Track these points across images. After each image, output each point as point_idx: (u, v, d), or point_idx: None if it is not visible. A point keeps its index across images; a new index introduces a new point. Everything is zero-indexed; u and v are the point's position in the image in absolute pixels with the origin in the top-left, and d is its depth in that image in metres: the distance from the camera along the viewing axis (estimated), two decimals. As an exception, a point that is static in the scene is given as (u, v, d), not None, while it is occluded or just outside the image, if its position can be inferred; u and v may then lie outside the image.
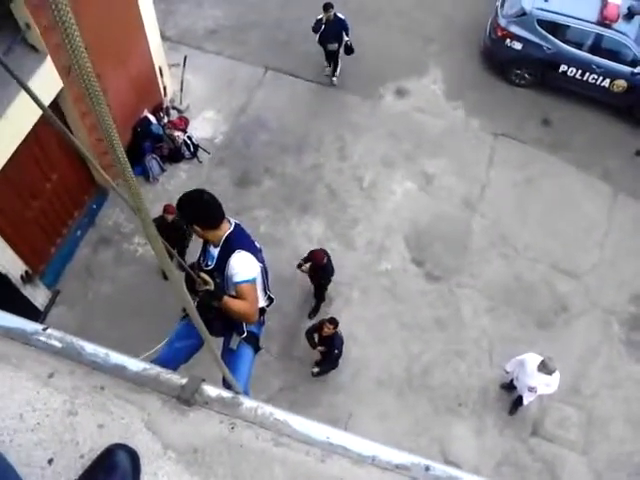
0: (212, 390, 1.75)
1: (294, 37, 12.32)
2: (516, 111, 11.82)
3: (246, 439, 1.68)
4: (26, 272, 8.24)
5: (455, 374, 8.87)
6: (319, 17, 10.93)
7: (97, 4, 7.66)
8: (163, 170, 10.53)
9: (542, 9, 11.48)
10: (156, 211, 8.43)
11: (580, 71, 11.57)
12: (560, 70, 11.70)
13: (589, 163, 11.19)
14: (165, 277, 9.45)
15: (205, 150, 10.74)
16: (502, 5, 12.09)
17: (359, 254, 9.90)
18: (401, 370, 8.89)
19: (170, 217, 8.10)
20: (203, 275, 3.52)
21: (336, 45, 11.30)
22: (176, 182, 10.46)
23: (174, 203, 8.35)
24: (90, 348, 1.73)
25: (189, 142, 10.62)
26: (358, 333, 9.11)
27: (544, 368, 7.37)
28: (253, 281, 3.83)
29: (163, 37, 10.96)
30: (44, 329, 1.74)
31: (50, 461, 1.58)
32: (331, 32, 11.04)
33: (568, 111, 11.94)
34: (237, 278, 3.75)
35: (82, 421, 1.64)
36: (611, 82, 11.50)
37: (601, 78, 11.53)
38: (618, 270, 10.09)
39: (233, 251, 3.77)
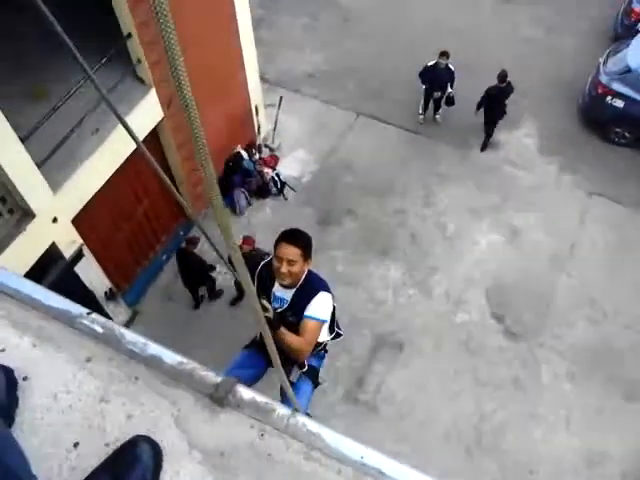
0: (246, 393, 1.65)
1: (388, 85, 12.48)
2: (614, 170, 11.28)
3: (275, 449, 1.59)
4: (110, 289, 8.61)
5: (528, 439, 8.33)
6: (430, 63, 10.93)
7: (203, 42, 8.10)
8: (250, 204, 10.83)
9: (650, 67, 11.02)
10: (238, 243, 8.63)
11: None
12: (665, 131, 11.15)
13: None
14: (232, 303, 9.60)
15: (291, 188, 10.97)
16: (605, 62, 11.76)
17: (436, 303, 9.64)
18: (471, 427, 8.44)
19: (246, 248, 8.24)
20: (264, 302, 3.49)
21: (440, 94, 11.37)
22: (261, 217, 10.71)
23: (257, 236, 8.61)
24: (130, 336, 1.73)
25: (277, 179, 10.88)
26: (429, 384, 8.79)
27: None
28: (322, 322, 3.79)
29: (262, 79, 11.41)
30: (88, 313, 1.77)
31: (76, 445, 1.58)
32: (438, 80, 11.05)
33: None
34: (310, 312, 3.71)
35: (112, 409, 1.63)
36: None
37: None
38: None
39: (317, 291, 3.74)
